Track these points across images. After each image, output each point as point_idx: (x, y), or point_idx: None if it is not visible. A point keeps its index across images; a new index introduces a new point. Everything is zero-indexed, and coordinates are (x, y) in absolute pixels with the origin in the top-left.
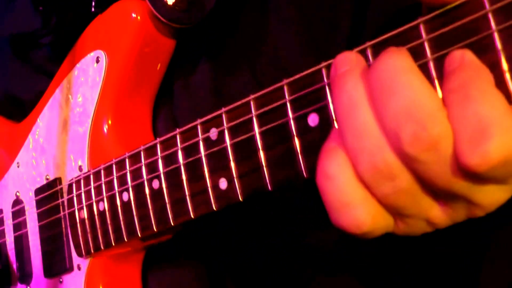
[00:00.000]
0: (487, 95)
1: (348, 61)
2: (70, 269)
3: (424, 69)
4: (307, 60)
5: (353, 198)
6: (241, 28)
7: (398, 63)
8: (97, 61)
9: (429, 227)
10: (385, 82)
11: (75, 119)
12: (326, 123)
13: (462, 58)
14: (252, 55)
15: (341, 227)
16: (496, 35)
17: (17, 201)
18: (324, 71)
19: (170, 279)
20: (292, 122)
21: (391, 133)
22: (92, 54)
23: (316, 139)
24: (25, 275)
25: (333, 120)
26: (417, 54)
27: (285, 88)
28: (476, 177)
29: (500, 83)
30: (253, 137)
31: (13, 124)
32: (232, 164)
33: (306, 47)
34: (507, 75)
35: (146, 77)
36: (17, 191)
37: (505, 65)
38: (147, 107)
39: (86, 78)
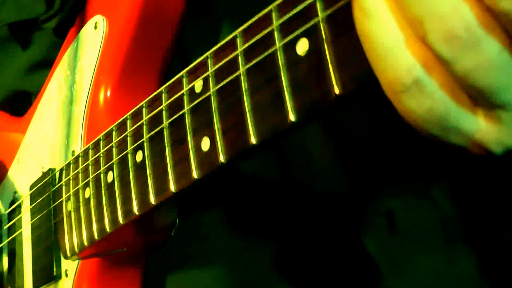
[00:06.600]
0: None
1: None
2: (58, 277)
3: None
4: None
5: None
6: None
7: None
8: (95, 27)
9: None
10: None
11: (72, 98)
12: (316, 51)
13: None
14: None
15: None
16: None
17: (14, 201)
18: None
19: (192, 282)
20: (278, 52)
21: None
22: (90, 21)
23: (304, 72)
24: None
25: (325, 46)
26: None
27: (273, 12)
28: None
29: None
30: (238, 79)
31: (16, 119)
32: (215, 117)
33: None
34: None
35: (154, 42)
36: (15, 190)
37: None
38: (156, 79)
39: (84, 49)
